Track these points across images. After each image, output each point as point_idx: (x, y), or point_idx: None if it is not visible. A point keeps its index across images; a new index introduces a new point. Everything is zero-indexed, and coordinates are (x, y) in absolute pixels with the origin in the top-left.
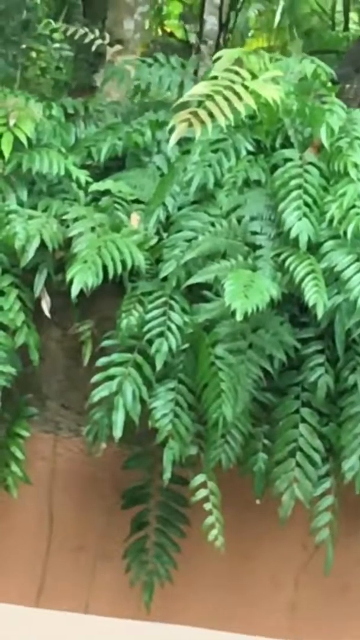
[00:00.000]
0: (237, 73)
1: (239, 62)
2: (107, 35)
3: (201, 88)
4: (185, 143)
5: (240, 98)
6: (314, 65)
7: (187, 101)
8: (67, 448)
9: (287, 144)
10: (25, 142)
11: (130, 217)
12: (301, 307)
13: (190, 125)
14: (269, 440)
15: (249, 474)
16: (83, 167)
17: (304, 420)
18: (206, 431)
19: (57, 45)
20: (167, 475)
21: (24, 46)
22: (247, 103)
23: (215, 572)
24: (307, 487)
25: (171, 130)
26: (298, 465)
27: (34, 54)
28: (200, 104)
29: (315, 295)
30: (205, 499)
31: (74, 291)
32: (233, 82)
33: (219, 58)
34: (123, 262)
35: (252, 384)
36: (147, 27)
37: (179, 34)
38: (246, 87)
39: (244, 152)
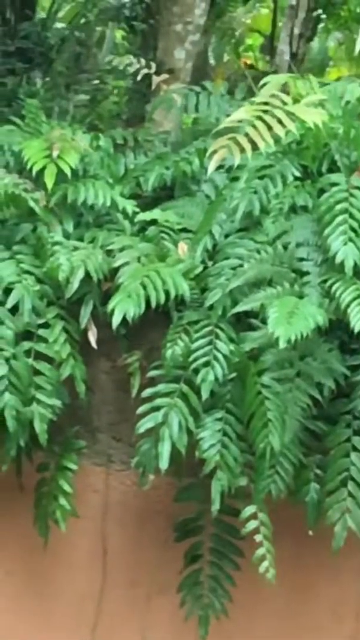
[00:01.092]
0: (278, 98)
1: (286, 87)
2: (155, 65)
3: (241, 114)
4: (233, 170)
5: (281, 123)
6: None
7: (229, 127)
8: (120, 481)
9: (334, 168)
10: (69, 173)
11: (178, 246)
12: (351, 333)
13: (230, 151)
14: (321, 469)
15: (302, 505)
16: (132, 197)
17: (355, 449)
18: (256, 461)
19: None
20: (215, 506)
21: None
22: (288, 128)
23: (273, 605)
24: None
25: (211, 157)
26: (350, 495)
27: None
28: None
29: None
30: (256, 531)
31: (115, 321)
32: (274, 106)
33: (265, 84)
34: (166, 292)
35: (300, 412)
36: (225, 59)
37: (260, 65)
38: (287, 112)
39: (290, 178)
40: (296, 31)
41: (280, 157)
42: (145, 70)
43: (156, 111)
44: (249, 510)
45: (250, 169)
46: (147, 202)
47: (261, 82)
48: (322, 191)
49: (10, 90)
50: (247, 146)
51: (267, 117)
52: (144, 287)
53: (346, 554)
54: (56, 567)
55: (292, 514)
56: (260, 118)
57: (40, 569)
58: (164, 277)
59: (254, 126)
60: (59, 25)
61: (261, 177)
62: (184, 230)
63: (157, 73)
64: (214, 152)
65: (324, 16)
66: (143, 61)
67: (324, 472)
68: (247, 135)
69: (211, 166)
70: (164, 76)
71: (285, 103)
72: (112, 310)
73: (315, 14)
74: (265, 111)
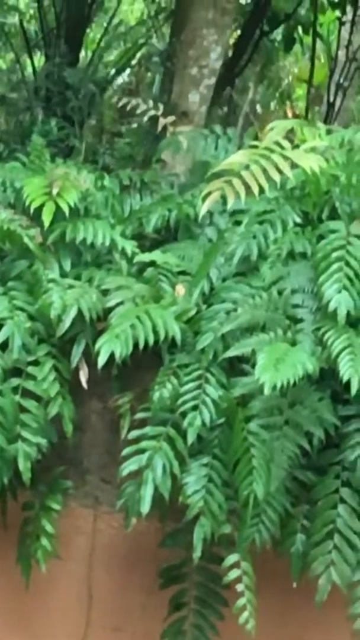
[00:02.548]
0: (277, 143)
1: (292, 132)
2: (169, 108)
3: (238, 157)
4: (235, 214)
5: (277, 168)
6: None
7: (225, 170)
8: (107, 524)
9: (335, 215)
10: (67, 211)
11: (176, 289)
12: (343, 383)
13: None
14: (309, 520)
15: (287, 556)
16: (135, 237)
17: (343, 501)
18: (240, 509)
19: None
20: (197, 553)
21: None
22: (284, 172)
23: None
24: (345, 571)
25: (204, 199)
26: (336, 547)
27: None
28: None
29: (350, 370)
30: (238, 580)
31: (101, 361)
32: (271, 151)
33: (272, 128)
34: (155, 333)
35: (287, 461)
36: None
37: (308, 115)
38: (285, 157)
39: (291, 224)
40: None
41: (282, 202)
42: (152, 112)
43: (169, 153)
44: (232, 558)
45: (251, 214)
46: (152, 243)
47: (267, 127)
48: (321, 238)
49: (26, 129)
50: (242, 189)
51: (263, 162)
52: (133, 328)
53: (333, 606)
54: (40, 609)
55: (278, 565)
56: (256, 162)
57: (24, 609)
58: (155, 319)
59: (249, 170)
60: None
61: (261, 222)
62: (183, 272)
63: (171, 116)
64: (208, 194)
65: None
66: (151, 103)
67: (311, 523)
68: (242, 178)
69: (204, 208)
70: (171, 118)
71: (283, 148)
72: (99, 351)
73: (355, 66)
74: (262, 155)
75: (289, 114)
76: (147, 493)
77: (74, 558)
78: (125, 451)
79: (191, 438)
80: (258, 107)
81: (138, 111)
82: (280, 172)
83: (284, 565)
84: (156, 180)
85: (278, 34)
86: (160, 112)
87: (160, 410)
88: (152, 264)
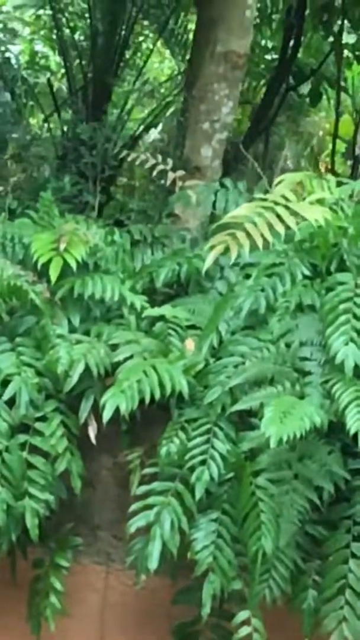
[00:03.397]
0: (282, 195)
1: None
2: (177, 162)
3: (243, 210)
4: (246, 267)
5: (281, 220)
6: None
7: (230, 223)
8: (120, 581)
9: (344, 267)
10: (74, 266)
11: (185, 343)
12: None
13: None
14: (320, 576)
15: (299, 612)
16: (146, 292)
17: (354, 556)
18: (250, 565)
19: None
20: (205, 610)
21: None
22: (289, 225)
23: None
24: (357, 626)
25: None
26: (348, 603)
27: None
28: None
29: (357, 423)
30: (249, 637)
31: (106, 416)
32: (276, 203)
33: (280, 181)
34: (162, 387)
35: (297, 515)
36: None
37: (341, 170)
38: (289, 209)
39: (300, 276)
40: None
41: (291, 255)
42: (161, 167)
43: (182, 208)
44: (242, 615)
45: (260, 267)
46: (163, 297)
47: (276, 181)
48: (329, 290)
49: (40, 185)
50: (246, 242)
51: (267, 214)
52: (139, 382)
53: None
54: None
55: (290, 620)
56: (260, 215)
57: None
58: (161, 373)
59: (254, 222)
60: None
61: (270, 275)
62: (193, 326)
63: (183, 170)
64: (212, 247)
65: None
66: (160, 157)
67: (322, 578)
68: (246, 231)
69: (208, 261)
70: (180, 172)
71: (288, 200)
72: (105, 405)
73: None
74: (267, 208)
75: (322, 169)
76: (155, 549)
77: (86, 615)
78: (133, 507)
79: (199, 493)
80: (289, 162)
81: (146, 166)
82: (285, 224)
83: (296, 621)
84: (167, 234)
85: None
86: (169, 167)
87: (168, 465)
88: (162, 318)
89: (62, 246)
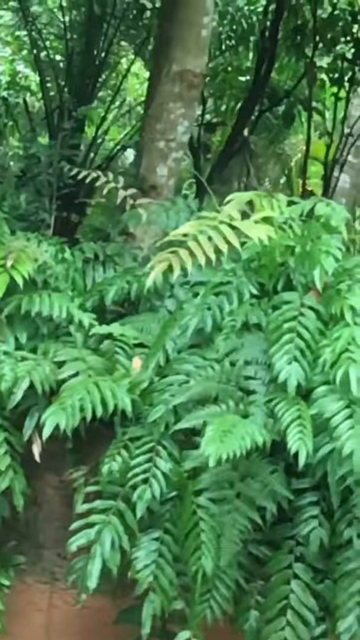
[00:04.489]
0: (228, 214)
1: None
2: (122, 180)
3: (187, 228)
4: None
5: (225, 238)
6: (328, 208)
7: (173, 240)
8: (64, 600)
9: (291, 286)
10: (21, 283)
11: (133, 361)
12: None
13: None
14: (263, 596)
15: (241, 632)
16: (96, 310)
17: (296, 577)
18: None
19: None
20: (145, 630)
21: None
22: (232, 243)
23: None
24: None
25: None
26: (289, 624)
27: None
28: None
29: (298, 442)
30: None
31: (45, 433)
32: (220, 222)
33: (230, 200)
34: (104, 405)
35: (239, 535)
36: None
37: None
38: (233, 227)
39: (247, 295)
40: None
41: (239, 274)
42: (111, 185)
43: (137, 226)
44: (183, 635)
45: (208, 286)
46: (114, 316)
47: (226, 199)
48: (275, 309)
49: None
50: (189, 260)
51: (211, 232)
52: (81, 400)
53: None
54: None
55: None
56: (203, 232)
57: None
58: (104, 391)
59: (197, 241)
60: None
61: (217, 294)
62: (141, 345)
63: (140, 189)
64: (154, 265)
65: None
66: (111, 175)
67: (265, 598)
68: (189, 249)
69: (149, 279)
70: (131, 191)
71: (233, 219)
72: (45, 422)
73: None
74: (211, 226)
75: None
76: (95, 568)
77: (30, 635)
78: (74, 525)
79: (140, 512)
80: (267, 183)
81: (97, 184)
82: (228, 243)
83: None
84: (119, 253)
85: None
86: (119, 185)
87: (110, 483)
88: (109, 336)
89: (9, 263)
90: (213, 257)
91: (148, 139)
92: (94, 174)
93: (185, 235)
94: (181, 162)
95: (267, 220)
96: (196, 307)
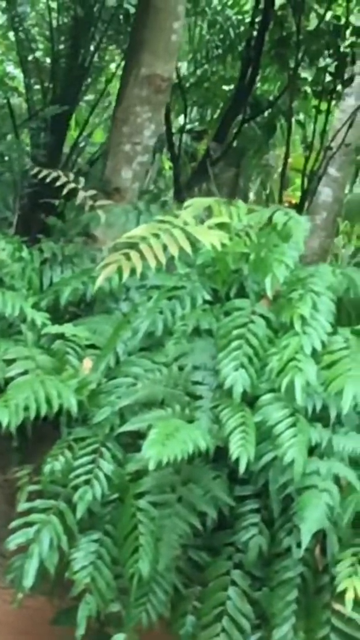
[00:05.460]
0: (181, 218)
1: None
2: (83, 181)
3: (140, 230)
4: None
5: (177, 242)
6: (286, 217)
7: (126, 243)
8: (4, 599)
9: (244, 293)
10: None
11: (83, 362)
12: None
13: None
14: (200, 602)
15: (177, 637)
16: (51, 310)
17: (234, 583)
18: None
19: None
20: (80, 631)
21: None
22: (184, 247)
23: None
24: None
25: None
26: (224, 630)
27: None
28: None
29: (240, 449)
30: None
31: None
32: (173, 226)
33: (189, 205)
34: (49, 404)
35: (178, 540)
36: (265, 193)
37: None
38: (186, 232)
39: (200, 301)
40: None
41: (194, 279)
42: (72, 186)
43: (101, 228)
44: (118, 638)
45: (162, 289)
46: (70, 316)
47: (185, 205)
48: (227, 315)
49: None
50: (139, 263)
51: (163, 235)
52: (26, 399)
53: None
54: None
55: None
56: (156, 235)
57: None
58: (49, 390)
59: (148, 243)
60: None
61: (170, 298)
62: (93, 346)
63: (104, 191)
64: (106, 266)
65: None
66: (72, 176)
67: (202, 604)
68: (140, 252)
69: (98, 281)
70: (91, 192)
71: (186, 223)
72: None
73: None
74: (163, 229)
75: (285, 202)
76: (32, 567)
77: None
78: (14, 524)
79: (80, 512)
80: (251, 194)
81: (58, 183)
82: (179, 246)
83: None
84: (79, 254)
85: None
86: (80, 186)
87: (52, 483)
88: (61, 336)
89: None
90: (164, 260)
91: (114, 141)
92: (54, 174)
93: (141, 237)
94: (148, 166)
95: (222, 226)
96: (148, 311)
